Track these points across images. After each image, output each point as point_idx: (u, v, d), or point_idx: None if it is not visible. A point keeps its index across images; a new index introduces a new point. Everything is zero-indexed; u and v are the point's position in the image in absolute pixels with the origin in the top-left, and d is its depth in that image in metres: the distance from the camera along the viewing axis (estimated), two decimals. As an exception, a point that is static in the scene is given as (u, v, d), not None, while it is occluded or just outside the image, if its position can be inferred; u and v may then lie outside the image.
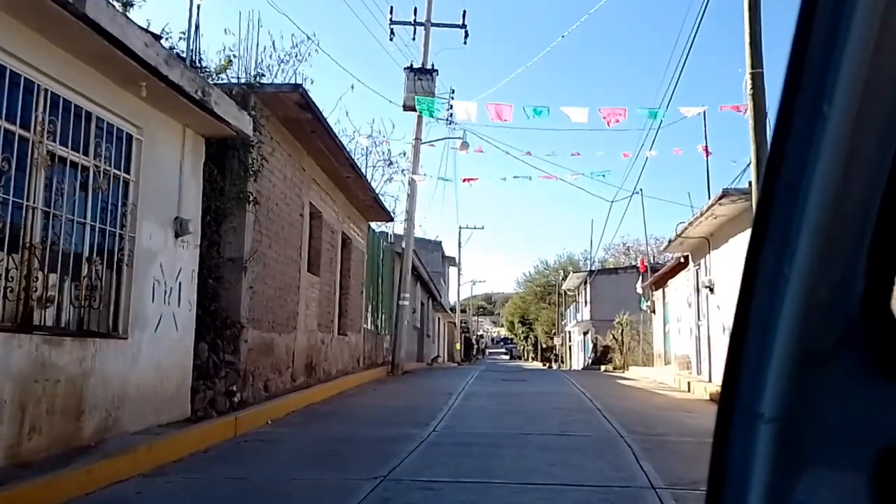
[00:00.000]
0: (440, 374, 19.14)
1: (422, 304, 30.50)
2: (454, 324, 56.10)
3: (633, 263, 45.14)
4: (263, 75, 9.04)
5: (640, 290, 23.72)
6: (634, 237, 56.68)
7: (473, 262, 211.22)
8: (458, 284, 57.76)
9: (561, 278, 58.62)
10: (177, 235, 7.09)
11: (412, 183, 18.36)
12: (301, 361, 11.34)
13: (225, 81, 8.86)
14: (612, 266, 42.76)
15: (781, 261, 0.65)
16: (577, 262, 60.45)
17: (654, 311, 21.72)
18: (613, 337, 27.84)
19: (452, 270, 53.23)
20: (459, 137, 18.83)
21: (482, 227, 57.85)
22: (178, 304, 7.14)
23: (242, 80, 9.06)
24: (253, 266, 9.03)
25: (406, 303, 18.18)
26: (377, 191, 22.81)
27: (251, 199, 8.76)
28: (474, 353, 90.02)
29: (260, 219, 9.26)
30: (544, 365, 62.95)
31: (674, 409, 9.91)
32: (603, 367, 28.03)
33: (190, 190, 7.37)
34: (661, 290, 20.39)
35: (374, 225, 19.90)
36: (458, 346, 57.09)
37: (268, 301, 9.68)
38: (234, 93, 8.56)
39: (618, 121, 11.74)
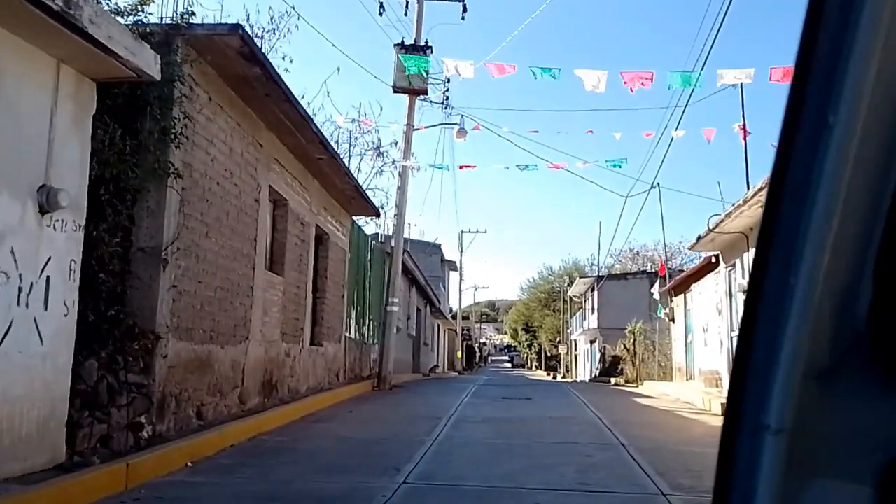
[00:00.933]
0: (434, 389, 17.08)
1: (418, 310, 28.46)
2: (455, 331, 54.03)
3: (643, 269, 43.04)
4: (194, 13, 6.99)
5: (656, 296, 21.64)
6: (642, 243, 54.62)
7: (476, 268, 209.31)
8: (460, 290, 55.78)
9: (566, 284, 56.55)
10: (43, 211, 5.05)
11: (402, 173, 16.35)
12: (255, 379, 9.30)
13: (141, 21, 6.82)
14: (620, 272, 40.63)
15: (787, 272, 0.65)
16: (583, 269, 58.33)
17: (672, 320, 19.62)
18: (624, 347, 25.74)
19: (453, 276, 51.19)
20: (456, 123, 16.83)
21: (485, 231, 55.76)
22: (45, 306, 5.10)
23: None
24: (179, 259, 6.99)
25: (395, 308, 16.13)
26: (365, 184, 20.83)
27: (173, 172, 6.72)
28: (477, 361, 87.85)
29: (191, 200, 7.23)
30: (548, 374, 60.76)
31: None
32: (613, 380, 25.91)
33: (68, 151, 5.33)
34: (682, 295, 18.31)
35: (363, 222, 17.90)
36: (459, 354, 54.98)
37: (204, 304, 7.64)
38: (150, 33, 6.56)
39: (644, 84, 9.73)
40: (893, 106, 0.63)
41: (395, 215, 16.46)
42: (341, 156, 19.53)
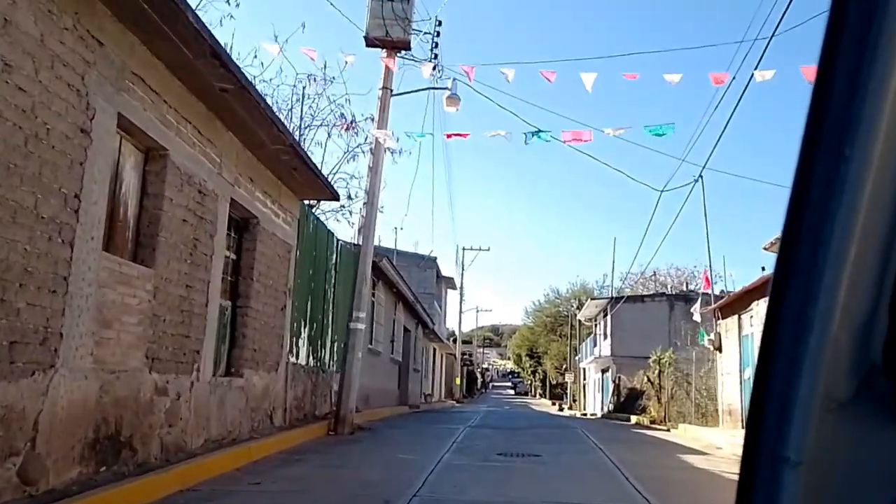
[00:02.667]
0: (411, 433, 13.11)
1: (406, 330, 24.52)
2: (454, 356, 49.98)
3: (662, 291, 39.02)
4: None
5: (697, 317, 17.67)
6: (654, 267, 50.70)
7: (478, 289, 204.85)
8: (460, 311, 51.83)
9: (576, 307, 52.48)
10: None
11: (375, 148, 12.53)
12: (72, 436, 5.40)
13: None
14: (637, 294, 36.61)
15: (806, 304, 0.65)
16: (592, 291, 54.12)
17: (719, 349, 15.65)
18: (648, 379, 21.75)
19: (452, 295, 47.28)
20: (446, 88, 13.04)
21: (487, 249, 51.72)
22: None
23: None
24: None
25: (362, 326, 12.23)
26: (334, 171, 16.99)
27: None
28: (478, 387, 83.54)
29: None
30: (553, 404, 56.48)
31: None
32: (634, 418, 21.86)
33: None
34: (736, 317, 14.38)
35: (342, 228, 14.13)
36: (458, 381, 50.85)
37: None
38: None
39: None
40: None
41: (364, 204, 12.60)
42: (297, 129, 15.73)
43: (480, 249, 51.80)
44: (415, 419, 17.51)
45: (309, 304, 12.17)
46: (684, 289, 37.90)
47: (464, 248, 51.40)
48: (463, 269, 50.92)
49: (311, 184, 10.42)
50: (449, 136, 11.71)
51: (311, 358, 12.37)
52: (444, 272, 35.76)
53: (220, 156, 8.07)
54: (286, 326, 10.71)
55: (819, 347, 0.65)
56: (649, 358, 32.97)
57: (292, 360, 11.21)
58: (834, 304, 0.64)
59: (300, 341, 11.66)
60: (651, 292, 38.98)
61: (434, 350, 38.95)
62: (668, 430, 16.62)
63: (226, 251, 8.66)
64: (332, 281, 13.66)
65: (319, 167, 12.94)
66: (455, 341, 50.95)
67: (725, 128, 12.46)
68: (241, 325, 9.06)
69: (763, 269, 15.89)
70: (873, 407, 0.66)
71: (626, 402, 29.15)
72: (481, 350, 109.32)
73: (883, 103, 0.63)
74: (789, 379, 0.66)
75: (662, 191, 16.66)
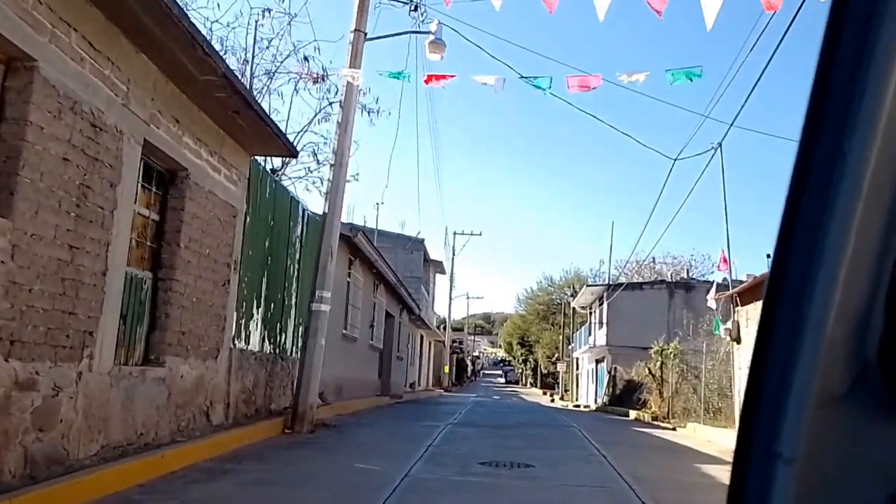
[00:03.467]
0: (382, 430, 11.39)
1: (388, 315, 22.79)
2: (443, 343, 48.35)
3: (662, 278, 37.38)
4: None
5: (711, 303, 15.99)
6: (650, 256, 49.10)
7: (470, 276, 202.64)
8: (450, 297, 50.17)
9: (569, 295, 50.85)
10: None
11: (345, 102, 10.71)
12: None
13: None
14: (634, 281, 34.93)
15: (801, 299, 0.65)
16: (586, 279, 52.39)
17: (737, 340, 13.96)
18: (649, 371, 20.10)
19: (441, 280, 45.57)
20: (429, 32, 11.22)
21: (479, 234, 50.04)
22: None
23: None
24: None
25: (324, 307, 10.45)
26: (302, 134, 15.18)
27: None
28: (468, 375, 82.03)
29: None
30: (545, 394, 55.00)
31: None
32: (634, 413, 20.23)
33: None
34: (755, 304, 12.70)
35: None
36: (446, 369, 49.23)
37: None
38: None
39: None
40: None
41: (332, 166, 10.81)
42: (256, 77, 13.87)
43: (472, 234, 50.12)
44: (393, 413, 15.80)
45: (265, 280, 10.41)
46: (685, 276, 36.21)
47: (455, 233, 49.70)
48: (454, 254, 49.22)
49: (260, 134, 8.62)
50: (429, 79, 9.89)
51: (266, 343, 10.62)
52: (433, 255, 34.00)
53: (128, 83, 6.27)
54: (230, 306, 8.94)
55: (814, 342, 0.65)
56: (648, 348, 31.34)
57: (240, 345, 9.46)
58: (830, 300, 0.65)
59: (251, 324, 9.91)
60: (653, 279, 37.31)
61: (421, 337, 37.27)
62: (675, 430, 14.97)
63: (140, 207, 6.88)
64: (297, 256, 11.90)
65: (283, 128, 11.18)
66: (444, 328, 49.30)
67: (765, 69, 10.66)
68: (163, 301, 7.30)
69: (768, 256, 14.27)
70: (868, 402, 0.67)
71: (623, 395, 27.56)
72: (472, 338, 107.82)
73: (882, 100, 0.63)
74: (784, 374, 0.65)
75: (676, 159, 14.96)
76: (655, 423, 17.39)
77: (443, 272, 38.66)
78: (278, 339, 11.18)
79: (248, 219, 9.49)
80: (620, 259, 41.34)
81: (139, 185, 6.78)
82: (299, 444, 8.88)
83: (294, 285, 11.80)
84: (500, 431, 11.76)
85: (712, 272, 37.57)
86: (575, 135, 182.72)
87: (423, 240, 29.59)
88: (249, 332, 9.85)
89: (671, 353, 17.72)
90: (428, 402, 23.47)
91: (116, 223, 6.18)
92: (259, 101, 10.17)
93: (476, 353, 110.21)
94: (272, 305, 10.83)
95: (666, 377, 19.32)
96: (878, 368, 0.66)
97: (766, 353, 0.67)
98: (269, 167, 13.26)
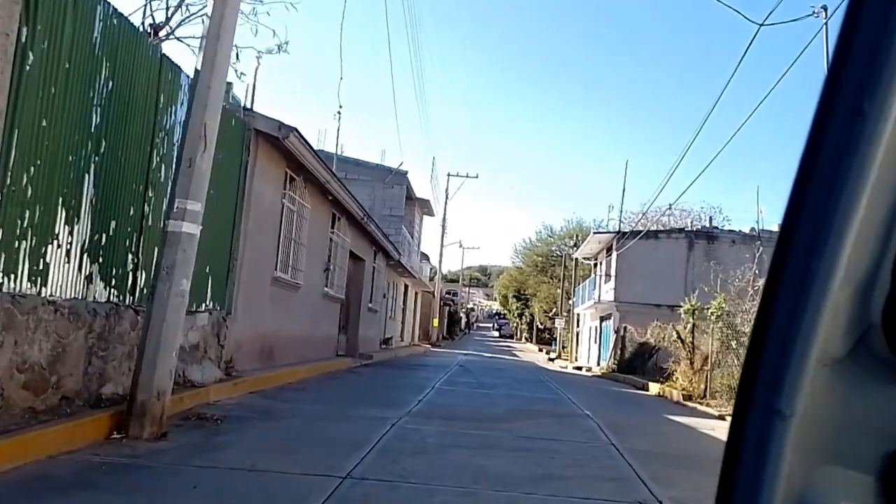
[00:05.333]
0: (294, 424, 7.25)
1: (356, 258, 18.60)
2: (432, 294, 44.40)
3: (682, 227, 33.12)
4: None
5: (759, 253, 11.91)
6: (658, 204, 44.69)
7: (466, 224, 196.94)
8: (441, 244, 46.02)
9: (571, 245, 46.73)
10: None
11: None
12: None
13: None
14: (649, 229, 30.67)
15: (809, 258, 0.66)
16: (588, 231, 48.14)
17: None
18: (678, 336, 15.99)
19: (430, 224, 41.34)
20: None
21: (476, 176, 45.55)
22: None
23: None
24: None
25: (190, 229, 6.17)
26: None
27: None
28: (461, 328, 78.49)
29: None
30: (541, 351, 51.39)
31: None
32: (655, 388, 16.19)
33: None
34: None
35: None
36: (435, 322, 45.38)
37: None
38: None
39: None
40: None
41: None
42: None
43: (468, 176, 45.77)
44: (342, 386, 11.69)
45: (91, 178, 6.16)
46: (706, 224, 31.98)
47: (448, 174, 45.29)
48: (446, 198, 44.90)
49: None
50: None
51: (98, 286, 6.42)
52: (419, 193, 29.64)
53: None
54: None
55: (819, 303, 0.65)
56: (661, 305, 27.39)
57: (21, 288, 5.26)
58: (838, 260, 0.64)
59: (52, 250, 5.69)
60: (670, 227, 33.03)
61: (406, 287, 33.21)
62: (723, 419, 10.91)
63: None
64: (165, 150, 7.58)
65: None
66: (433, 279, 45.29)
67: None
68: None
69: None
70: (869, 365, 0.67)
71: (633, 360, 23.64)
72: (467, 289, 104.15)
73: None
74: (787, 333, 0.66)
75: (762, 24, 10.85)
76: (688, 403, 13.36)
77: (431, 214, 34.37)
78: (127, 280, 6.98)
79: (31, 54, 5.19)
80: (629, 211, 36.83)
81: None
82: (116, 469, 4.75)
83: (164, 195, 7.53)
84: (481, 433, 7.57)
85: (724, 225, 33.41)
86: (595, 53, 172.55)
87: (405, 172, 25.17)
88: (47, 265, 5.64)
89: (714, 313, 13.59)
90: (402, 366, 19.44)
91: None
92: None
93: (471, 306, 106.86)
94: (113, 224, 6.60)
95: (698, 343, 15.26)
96: (881, 332, 0.66)
97: (771, 311, 0.68)
98: (147, 24, 8.85)
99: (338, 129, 51.64)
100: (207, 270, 8.91)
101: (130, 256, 7.06)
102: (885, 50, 0.63)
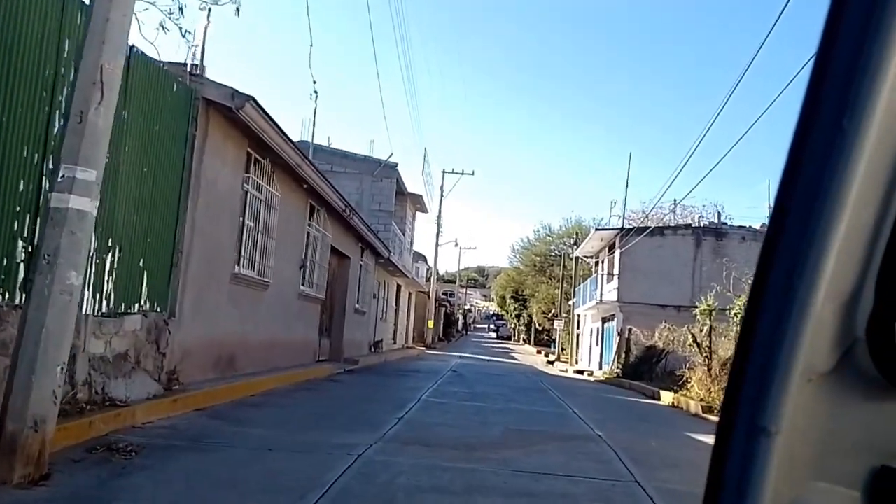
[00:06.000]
0: (233, 460, 5.73)
1: (340, 255, 17.07)
2: (427, 295, 42.88)
3: (688, 223, 31.59)
4: None
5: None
6: (664, 202, 43.10)
7: (462, 223, 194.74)
8: (437, 243, 44.50)
9: (570, 245, 45.21)
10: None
11: None
12: None
13: None
14: (653, 226, 29.14)
15: (792, 273, 0.65)
16: (588, 230, 46.52)
17: None
18: (693, 339, 14.47)
19: (424, 221, 39.74)
20: None
21: (472, 173, 43.88)
22: None
23: None
24: None
25: (79, 204, 4.66)
26: None
27: None
28: (459, 329, 76.92)
29: None
30: (539, 353, 49.83)
31: None
32: (668, 397, 14.65)
33: None
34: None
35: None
36: (430, 323, 43.83)
37: None
38: None
39: None
40: None
41: None
42: None
43: (463, 173, 44.22)
44: (310, 400, 10.11)
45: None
46: (714, 221, 30.46)
47: (444, 171, 43.76)
48: (441, 195, 43.38)
49: None
50: None
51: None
52: (411, 188, 28.08)
53: None
54: None
55: (802, 318, 0.64)
56: (667, 306, 25.93)
57: None
58: (821, 275, 0.64)
59: None
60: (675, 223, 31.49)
61: (399, 287, 31.67)
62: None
63: None
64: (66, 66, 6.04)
65: None
66: (429, 279, 43.74)
67: None
68: None
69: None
70: (853, 380, 0.66)
71: (640, 364, 22.09)
72: (464, 290, 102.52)
73: (884, 78, 0.63)
74: (771, 348, 0.65)
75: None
76: (709, 417, 11.84)
77: (424, 210, 32.82)
78: (14, 274, 5.44)
79: None
80: (631, 210, 35.25)
81: None
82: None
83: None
84: (469, 466, 5.99)
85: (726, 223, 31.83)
86: (596, 45, 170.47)
87: (395, 164, 23.59)
88: None
89: (739, 314, 12.08)
90: (390, 372, 17.90)
91: None
92: None
93: (468, 307, 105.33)
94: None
95: (716, 347, 13.75)
96: (865, 346, 0.65)
97: (755, 326, 0.67)
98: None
99: (314, 111, 49.46)
100: (141, 264, 7.38)
101: (21, 243, 5.53)
102: (862, 67, 0.63)
